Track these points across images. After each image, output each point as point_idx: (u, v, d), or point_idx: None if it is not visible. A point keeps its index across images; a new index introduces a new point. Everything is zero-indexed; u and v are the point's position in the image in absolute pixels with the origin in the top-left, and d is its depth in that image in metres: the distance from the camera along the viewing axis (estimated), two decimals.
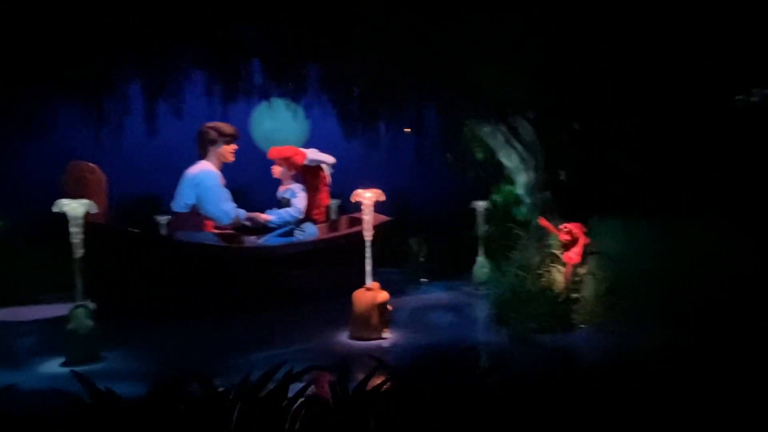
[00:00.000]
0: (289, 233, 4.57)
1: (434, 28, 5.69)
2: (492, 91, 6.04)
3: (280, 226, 4.52)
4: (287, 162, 4.62)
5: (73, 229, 3.03)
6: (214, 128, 4.41)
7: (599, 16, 5.26)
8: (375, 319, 3.33)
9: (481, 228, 5.16)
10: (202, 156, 4.42)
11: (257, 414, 1.77)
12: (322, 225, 4.95)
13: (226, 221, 4.29)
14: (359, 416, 1.77)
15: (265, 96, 6.94)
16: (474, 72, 5.95)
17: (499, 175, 6.95)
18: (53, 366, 2.99)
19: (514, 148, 6.11)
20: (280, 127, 8.09)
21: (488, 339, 3.25)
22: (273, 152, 4.72)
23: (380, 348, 3.22)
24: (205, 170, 4.29)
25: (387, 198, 7.93)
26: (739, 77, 4.85)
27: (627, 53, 5.11)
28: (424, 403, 1.80)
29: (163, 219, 5.56)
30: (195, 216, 4.32)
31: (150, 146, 6.68)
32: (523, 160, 6.09)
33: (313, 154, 4.74)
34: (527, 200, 6.18)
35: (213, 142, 4.38)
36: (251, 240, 4.54)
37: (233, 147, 4.49)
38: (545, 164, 6.05)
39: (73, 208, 3.00)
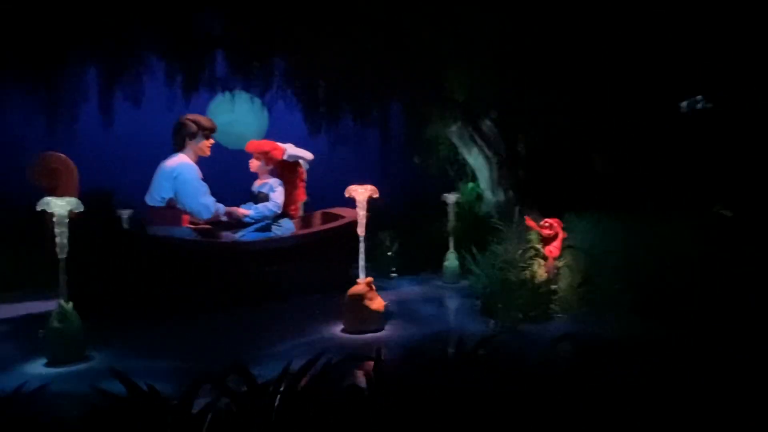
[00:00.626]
0: (266, 228, 4.54)
1: (403, 27, 5.80)
2: (458, 91, 6.24)
3: (258, 221, 4.47)
4: (266, 156, 4.58)
5: (58, 229, 2.90)
6: (194, 121, 4.30)
7: (564, 19, 5.54)
8: (368, 312, 3.39)
9: (451, 222, 5.31)
10: (179, 149, 4.31)
11: (300, 404, 1.81)
12: (296, 221, 4.94)
13: (206, 216, 4.21)
14: (395, 403, 1.84)
15: (228, 87, 6.83)
16: (441, 73, 6.13)
17: (462, 172, 7.18)
18: (38, 366, 2.86)
19: (479, 146, 6.33)
20: (238, 119, 7.97)
21: (479, 329, 3.38)
22: (251, 146, 4.66)
23: (377, 341, 3.29)
24: (184, 163, 4.19)
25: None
26: (698, 83, 5.23)
27: (591, 57, 5.42)
28: (448, 388, 1.89)
29: (125, 213, 5.36)
30: (171, 210, 4.20)
31: (104, 136, 6.42)
32: (486, 158, 6.32)
33: (291, 149, 4.72)
34: (490, 197, 6.42)
35: (193, 135, 4.28)
36: (227, 235, 4.47)
37: (211, 141, 4.40)
38: (508, 163, 6.31)
39: (59, 206, 2.87)
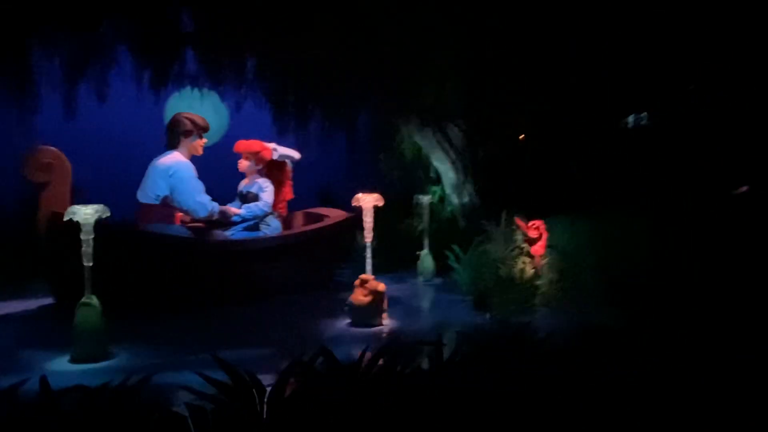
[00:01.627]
0: (254, 227, 4.61)
1: (372, 33, 6.04)
2: (425, 97, 6.57)
3: (249, 220, 4.54)
4: (256, 156, 4.65)
5: (84, 237, 2.90)
6: (190, 119, 4.32)
7: (530, 25, 5.99)
8: (375, 307, 3.59)
9: (426, 222, 5.58)
10: (173, 146, 4.31)
11: (371, 388, 1.99)
12: (280, 220, 5.04)
13: (202, 214, 4.23)
14: (457, 384, 2.07)
15: (197, 84, 6.76)
16: (408, 78, 6.42)
17: (426, 176, 7.50)
18: (63, 363, 2.85)
19: (446, 151, 6.66)
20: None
21: (476, 321, 3.67)
22: (241, 146, 4.71)
23: (384, 333, 3.50)
24: (181, 161, 4.20)
25: (312, 193, 8.06)
26: (656, 89, 5.80)
27: (556, 64, 5.90)
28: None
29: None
30: (165, 208, 4.20)
31: (68, 131, 6.20)
32: (453, 162, 6.67)
33: (280, 149, 4.82)
34: (454, 200, 6.78)
35: (188, 134, 4.29)
36: (218, 233, 4.51)
37: (205, 140, 4.43)
38: (472, 167, 6.70)
39: (86, 215, 2.88)
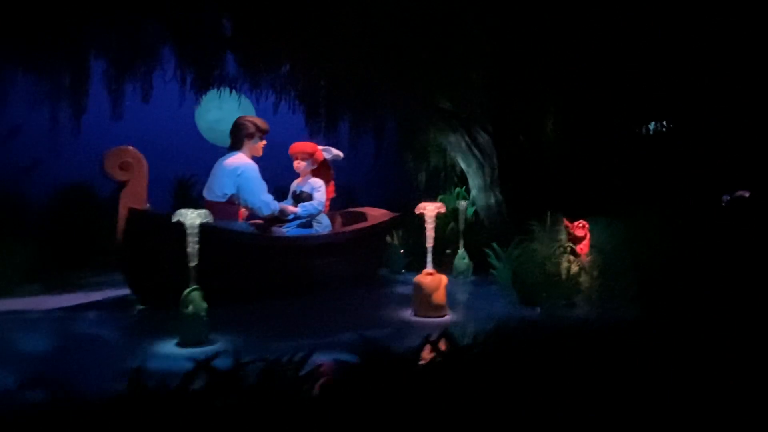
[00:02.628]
0: (308, 225, 4.87)
1: (400, 40, 6.32)
2: (454, 101, 6.88)
3: (303, 218, 4.80)
4: (311, 157, 4.91)
5: (190, 239, 3.15)
6: (253, 122, 4.56)
7: (552, 28, 6.29)
8: (438, 299, 3.87)
9: (462, 224, 5.88)
10: (237, 148, 4.55)
11: (496, 360, 2.27)
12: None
13: (266, 212, 4.48)
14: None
15: (235, 87, 7.02)
16: (439, 83, 6.73)
17: (449, 178, 7.80)
18: (170, 346, 3.10)
19: (473, 154, 6.96)
20: (226, 117, 8.15)
21: (526, 314, 3.96)
22: (296, 148, 4.97)
23: (448, 323, 3.78)
24: (248, 162, 4.45)
25: (350, 194, 8.30)
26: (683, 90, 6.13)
27: (580, 67, 6.22)
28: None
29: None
30: (230, 205, 4.45)
31: (112, 130, 6.42)
32: (480, 165, 6.97)
33: (331, 150, 5.10)
34: (481, 201, 7.07)
35: (251, 136, 4.53)
36: (275, 230, 4.76)
37: (264, 143, 4.67)
38: (499, 170, 7.00)
39: (192, 218, 3.13)
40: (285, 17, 6.07)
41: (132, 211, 4.00)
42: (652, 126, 6.60)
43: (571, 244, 4.32)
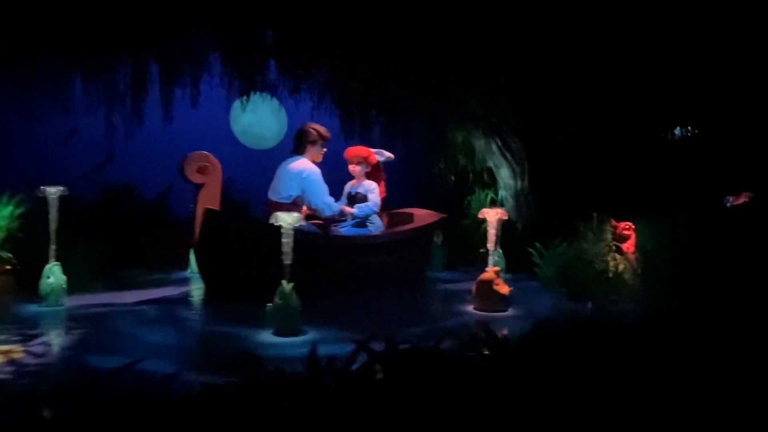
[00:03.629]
0: (362, 225, 5.12)
1: (435, 46, 6.60)
2: (487, 108, 7.17)
3: (362, 218, 5.05)
4: (365, 161, 5.17)
5: (285, 240, 3.42)
6: (316, 129, 4.82)
7: (584, 39, 6.58)
8: (498, 294, 4.14)
9: (499, 224, 6.14)
10: (300, 152, 4.80)
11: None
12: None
13: (328, 213, 4.74)
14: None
15: (275, 93, 7.29)
16: (470, 88, 7.03)
17: (476, 179, 8.08)
18: (268, 336, 3.36)
19: (506, 158, 7.24)
20: (259, 120, 8.45)
21: (580, 309, 4.23)
22: (351, 152, 5.22)
23: (508, 317, 4.05)
24: (312, 166, 4.70)
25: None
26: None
27: (609, 71, 6.51)
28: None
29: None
30: (295, 206, 4.71)
31: (162, 133, 6.66)
32: (512, 169, 7.26)
33: (384, 152, 5.37)
34: (511, 202, 7.35)
35: (314, 143, 4.79)
36: (333, 229, 5.02)
37: (325, 150, 4.93)
38: (529, 172, 7.28)
39: (287, 221, 3.40)
40: (322, 27, 6.35)
41: (208, 212, 4.25)
42: (678, 131, 6.91)
43: (617, 243, 4.60)
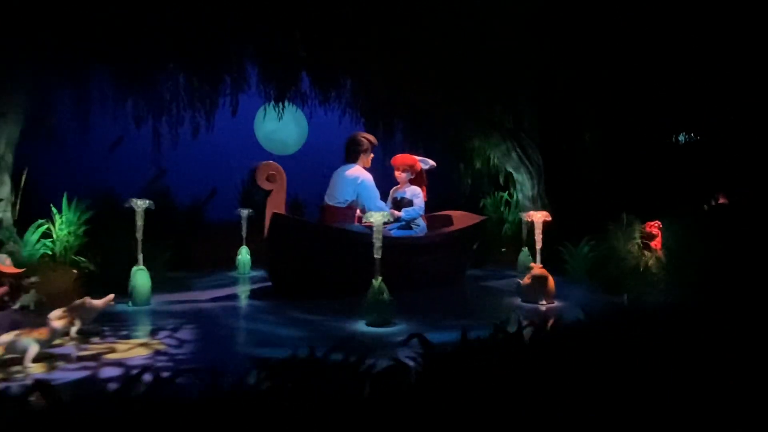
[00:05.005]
0: (407, 227, 5.49)
1: (452, 56, 7.01)
2: (506, 116, 7.62)
3: (408, 221, 5.42)
4: (411, 168, 5.55)
5: (375, 236, 3.87)
6: (366, 138, 5.19)
7: (595, 51, 7.05)
8: (545, 288, 4.56)
9: (527, 225, 6.58)
10: (353, 160, 5.16)
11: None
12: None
13: None
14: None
15: (306, 102, 7.64)
16: (492, 99, 7.47)
17: (495, 183, 8.52)
18: (361, 326, 3.72)
19: (524, 164, 7.70)
20: (282, 127, 8.80)
21: (615, 301, 4.67)
22: (398, 160, 5.59)
23: (559, 308, 4.48)
24: (364, 173, 5.07)
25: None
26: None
27: (622, 80, 6.99)
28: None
29: (244, 212, 6.03)
30: (349, 210, 5.06)
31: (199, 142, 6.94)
32: (529, 173, 7.72)
33: (427, 160, 5.75)
34: (528, 205, 7.81)
35: (365, 151, 5.15)
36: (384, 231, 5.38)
37: (372, 155, 5.29)
38: (546, 177, 7.75)
39: (378, 219, 3.76)
40: (351, 41, 6.72)
41: (275, 216, 4.58)
42: (682, 137, 7.46)
43: (645, 241, 5.07)
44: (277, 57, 6.90)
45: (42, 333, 2.67)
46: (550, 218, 4.84)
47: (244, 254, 5.91)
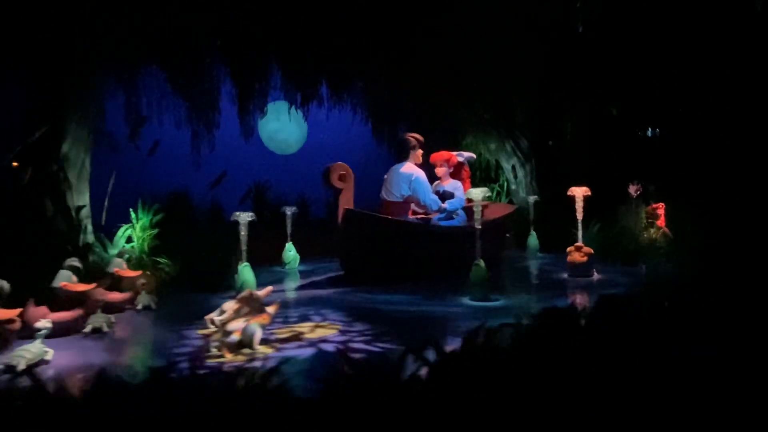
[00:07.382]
0: (449, 217, 6.06)
1: (450, 56, 7.69)
2: (502, 113, 8.41)
3: (452, 212, 6.00)
4: (448, 163, 6.14)
5: (475, 211, 4.52)
6: (414, 137, 5.71)
7: (581, 55, 7.91)
8: (589, 264, 5.34)
9: (533, 214, 7.34)
10: (405, 158, 5.67)
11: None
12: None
13: (434, 208, 5.66)
14: None
15: (322, 103, 8.06)
16: (489, 97, 8.24)
17: (487, 174, 9.30)
18: (466, 301, 4.30)
19: (517, 156, 8.53)
20: (284, 127, 9.21)
21: (637, 270, 5.52)
22: (436, 157, 6.15)
23: (598, 280, 5.25)
24: (417, 169, 5.60)
25: None
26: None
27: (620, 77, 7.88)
28: None
29: (289, 210, 6.35)
30: (405, 204, 5.59)
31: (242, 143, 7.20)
32: (522, 165, 8.56)
33: (464, 154, 6.36)
34: (521, 194, 8.64)
35: (414, 148, 5.68)
36: (433, 221, 5.93)
37: (422, 151, 5.82)
38: (537, 170, 8.61)
39: (477, 195, 4.35)
40: (361, 51, 7.23)
41: (347, 211, 5.04)
42: (649, 132, 8.57)
43: (651, 220, 6.00)
44: (300, 66, 7.25)
45: (264, 318, 3.01)
46: (590, 193, 5.51)
47: (292, 250, 6.20)
